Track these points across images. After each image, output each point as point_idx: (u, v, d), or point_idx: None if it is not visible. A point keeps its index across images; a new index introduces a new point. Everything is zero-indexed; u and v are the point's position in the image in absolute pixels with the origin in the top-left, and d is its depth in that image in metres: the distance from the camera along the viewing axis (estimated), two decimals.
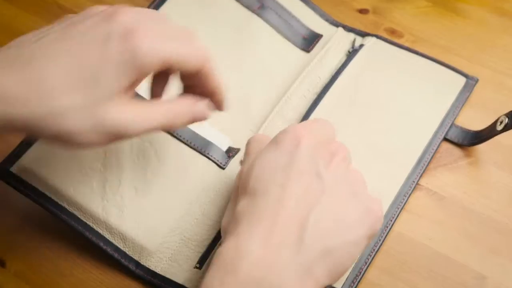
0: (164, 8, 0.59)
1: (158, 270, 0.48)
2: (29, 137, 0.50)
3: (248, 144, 0.47)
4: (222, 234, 0.43)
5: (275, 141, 0.42)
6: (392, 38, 0.60)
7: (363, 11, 0.63)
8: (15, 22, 0.63)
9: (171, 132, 0.53)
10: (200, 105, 0.43)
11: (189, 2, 0.59)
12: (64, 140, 0.38)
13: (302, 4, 0.61)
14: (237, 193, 0.43)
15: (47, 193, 0.49)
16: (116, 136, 0.39)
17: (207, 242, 0.49)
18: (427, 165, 0.52)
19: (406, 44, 0.59)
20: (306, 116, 0.53)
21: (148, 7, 0.58)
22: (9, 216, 0.52)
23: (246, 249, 0.37)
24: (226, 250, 0.38)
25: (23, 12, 0.64)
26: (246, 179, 0.41)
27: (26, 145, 0.51)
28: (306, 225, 0.38)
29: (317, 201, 0.39)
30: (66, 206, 0.49)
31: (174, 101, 0.42)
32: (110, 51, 0.37)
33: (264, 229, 0.38)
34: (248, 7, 0.60)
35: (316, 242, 0.38)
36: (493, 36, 0.61)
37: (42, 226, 0.51)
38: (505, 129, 0.50)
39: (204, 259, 0.47)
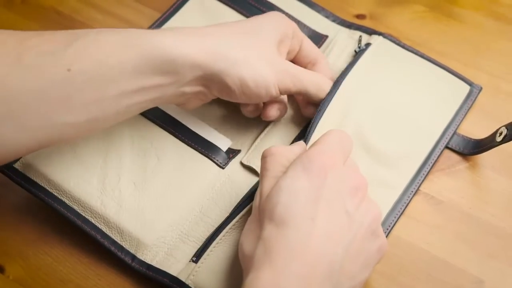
0: (170, 23, 0.59)
1: (153, 263, 0.49)
2: None
3: (264, 158, 0.45)
4: (243, 257, 0.43)
5: (302, 168, 0.42)
6: None
7: (360, 17, 0.63)
8: (14, 28, 0.62)
9: (175, 132, 0.53)
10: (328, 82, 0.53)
11: (195, 16, 0.60)
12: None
13: (305, 7, 0.61)
14: (257, 214, 0.43)
15: (48, 188, 0.50)
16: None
17: (204, 238, 0.49)
18: (427, 174, 0.52)
19: None
20: (315, 120, 0.51)
21: (155, 21, 0.59)
22: (8, 222, 0.52)
23: (284, 284, 0.38)
24: (262, 283, 0.38)
25: (22, 18, 0.64)
26: (272, 205, 0.41)
27: None
28: (334, 263, 0.40)
29: (344, 239, 0.41)
30: (66, 201, 0.50)
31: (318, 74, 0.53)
32: None
33: (298, 265, 0.39)
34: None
35: (342, 281, 0.41)
36: (489, 40, 0.61)
37: (41, 233, 0.51)
38: (504, 140, 0.50)
39: (201, 254, 0.48)
